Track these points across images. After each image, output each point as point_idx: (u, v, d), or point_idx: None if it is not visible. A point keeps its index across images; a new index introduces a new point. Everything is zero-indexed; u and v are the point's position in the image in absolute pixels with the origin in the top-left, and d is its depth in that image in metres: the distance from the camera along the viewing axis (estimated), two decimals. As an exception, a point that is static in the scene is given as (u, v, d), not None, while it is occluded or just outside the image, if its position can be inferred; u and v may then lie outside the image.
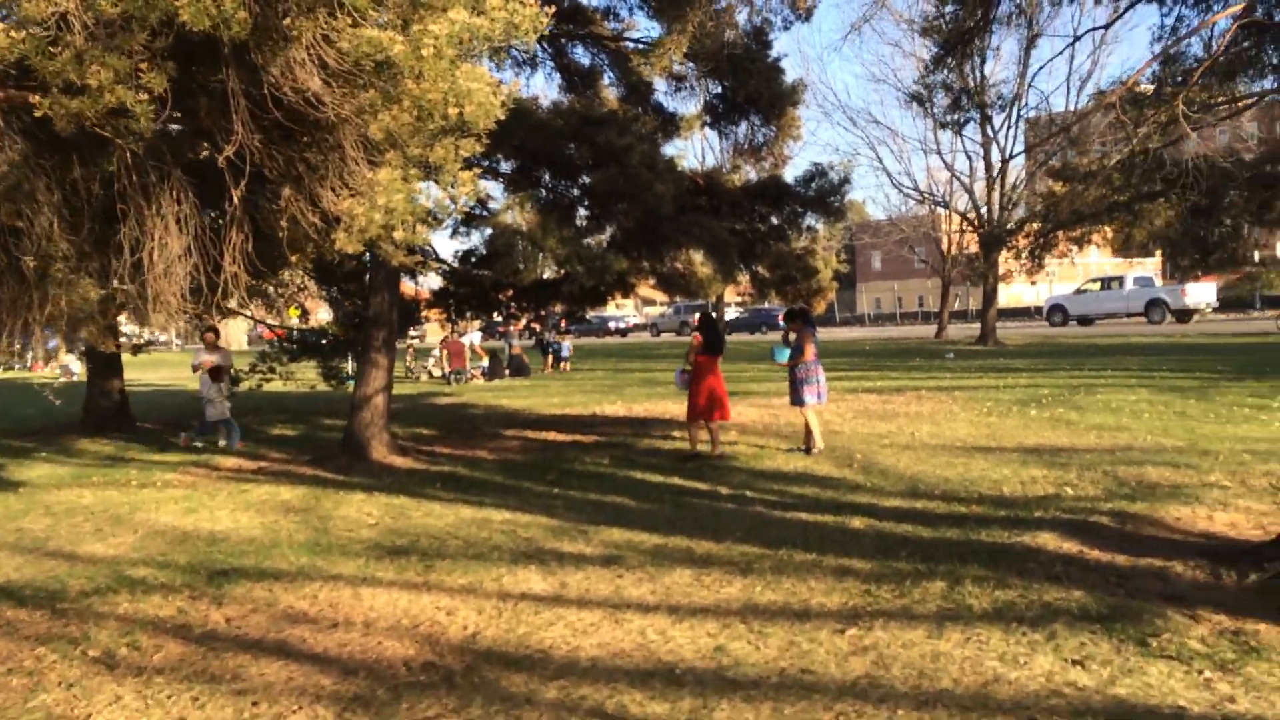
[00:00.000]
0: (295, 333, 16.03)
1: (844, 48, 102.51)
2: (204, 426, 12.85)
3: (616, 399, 17.33)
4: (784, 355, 10.52)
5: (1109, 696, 3.91)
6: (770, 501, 8.02)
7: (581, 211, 12.16)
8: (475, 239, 12.88)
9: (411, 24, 4.87)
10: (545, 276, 12.48)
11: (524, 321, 23.76)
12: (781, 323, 11.00)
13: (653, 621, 5.10)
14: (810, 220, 13.21)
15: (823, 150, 77.84)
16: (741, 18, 11.99)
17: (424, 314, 15.81)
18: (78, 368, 24.45)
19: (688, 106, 17.63)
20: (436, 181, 5.60)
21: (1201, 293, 37.82)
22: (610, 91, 13.16)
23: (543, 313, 18.30)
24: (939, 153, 54.27)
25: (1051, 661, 4.29)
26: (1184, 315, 37.44)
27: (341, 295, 14.97)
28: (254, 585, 6.11)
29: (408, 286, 15.90)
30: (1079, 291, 41.69)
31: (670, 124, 13.02)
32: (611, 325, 60.15)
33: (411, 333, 29.34)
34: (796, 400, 10.34)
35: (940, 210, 37.89)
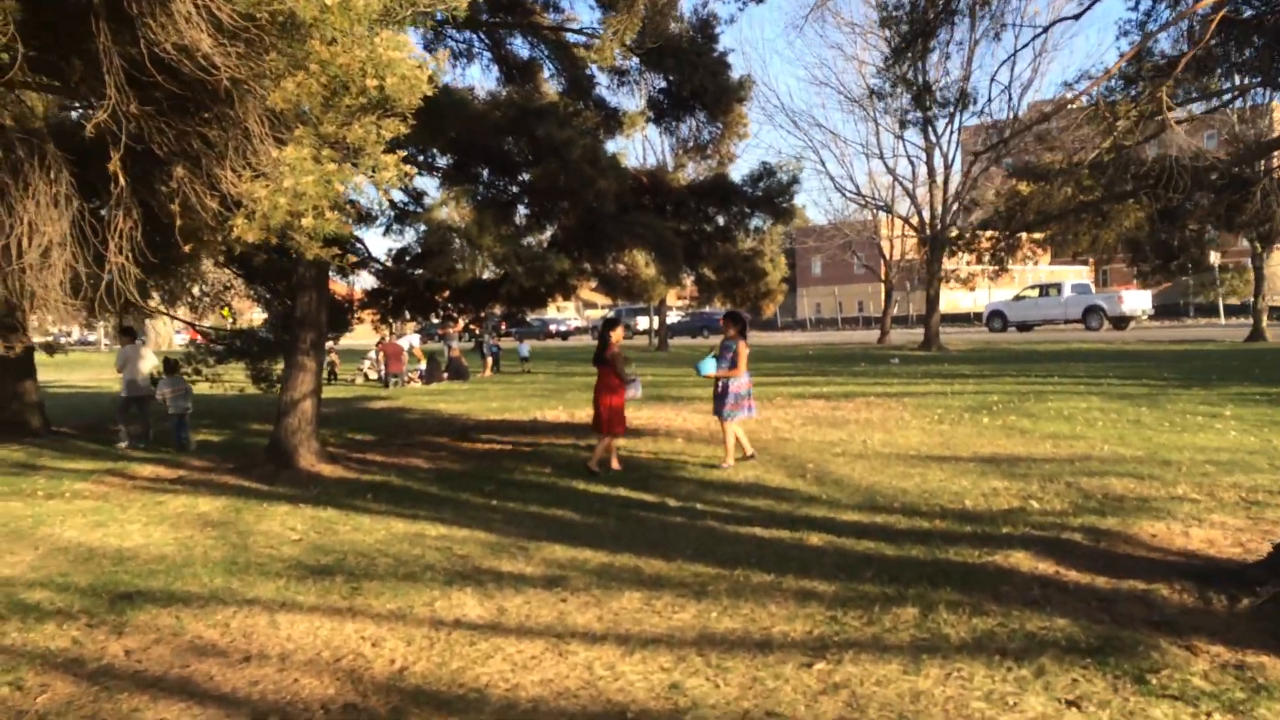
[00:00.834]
0: (215, 333, 15.23)
1: (786, 50, 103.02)
2: (179, 425, 12.64)
3: (557, 404, 16.86)
4: (710, 367, 9.89)
5: (1114, 748, 3.47)
6: (722, 515, 7.53)
7: (521, 209, 11.58)
8: (409, 236, 12.29)
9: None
10: (483, 277, 11.85)
11: (462, 324, 23.12)
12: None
13: (600, 654, 4.58)
14: (758, 221, 12.82)
15: (766, 153, 77.86)
16: (687, 7, 11.58)
17: (358, 315, 15.09)
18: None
19: (631, 102, 17.14)
20: (355, 165, 4.95)
21: (1138, 300, 38.37)
22: (551, 85, 12.65)
23: (482, 315, 17.67)
24: (881, 156, 54.79)
25: (1044, 702, 3.83)
26: (1120, 322, 37.91)
27: (271, 295, 14.23)
28: (160, 611, 5.52)
29: (340, 286, 15.22)
30: (1018, 298, 42.04)
31: (613, 120, 12.55)
32: (552, 328, 59.72)
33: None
34: (720, 412, 9.68)
35: (882, 215, 37.87)
